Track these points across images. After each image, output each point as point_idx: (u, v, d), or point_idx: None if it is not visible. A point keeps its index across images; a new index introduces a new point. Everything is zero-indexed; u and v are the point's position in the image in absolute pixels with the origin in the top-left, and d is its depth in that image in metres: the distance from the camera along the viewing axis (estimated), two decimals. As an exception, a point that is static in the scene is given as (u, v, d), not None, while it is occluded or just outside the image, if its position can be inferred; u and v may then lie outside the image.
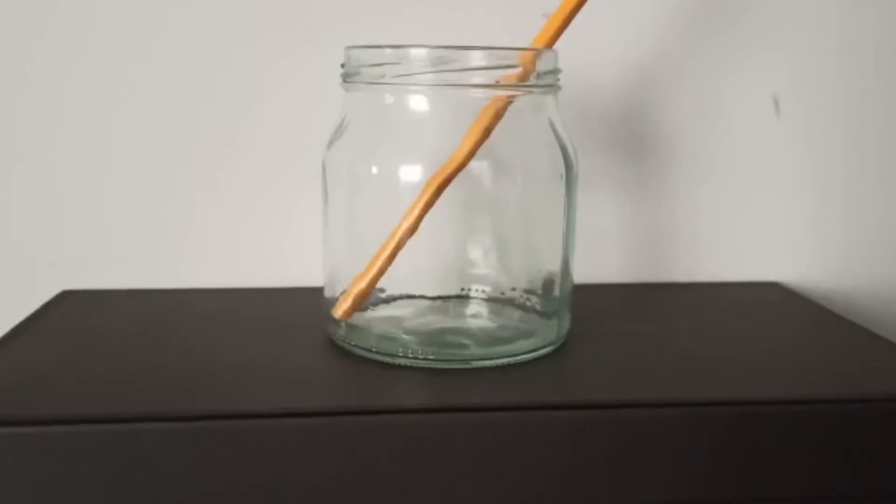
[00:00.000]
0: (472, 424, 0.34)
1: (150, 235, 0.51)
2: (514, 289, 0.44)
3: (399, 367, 0.39)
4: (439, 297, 0.44)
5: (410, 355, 0.39)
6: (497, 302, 0.44)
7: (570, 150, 0.41)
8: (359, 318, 0.41)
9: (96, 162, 0.51)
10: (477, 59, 0.39)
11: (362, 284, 0.40)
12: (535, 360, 0.40)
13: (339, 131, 0.42)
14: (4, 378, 0.37)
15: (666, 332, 0.45)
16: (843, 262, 0.56)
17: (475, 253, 0.44)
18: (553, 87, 0.41)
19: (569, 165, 0.41)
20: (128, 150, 0.51)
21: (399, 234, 0.39)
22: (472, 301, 0.44)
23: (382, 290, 0.43)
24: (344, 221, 0.42)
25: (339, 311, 0.41)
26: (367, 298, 0.41)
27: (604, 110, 0.52)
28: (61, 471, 0.33)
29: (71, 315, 0.46)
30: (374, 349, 0.40)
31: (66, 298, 0.49)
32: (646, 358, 0.41)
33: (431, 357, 0.39)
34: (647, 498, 0.35)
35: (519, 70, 0.39)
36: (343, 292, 0.41)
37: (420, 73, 0.38)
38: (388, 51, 0.39)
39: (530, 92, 0.40)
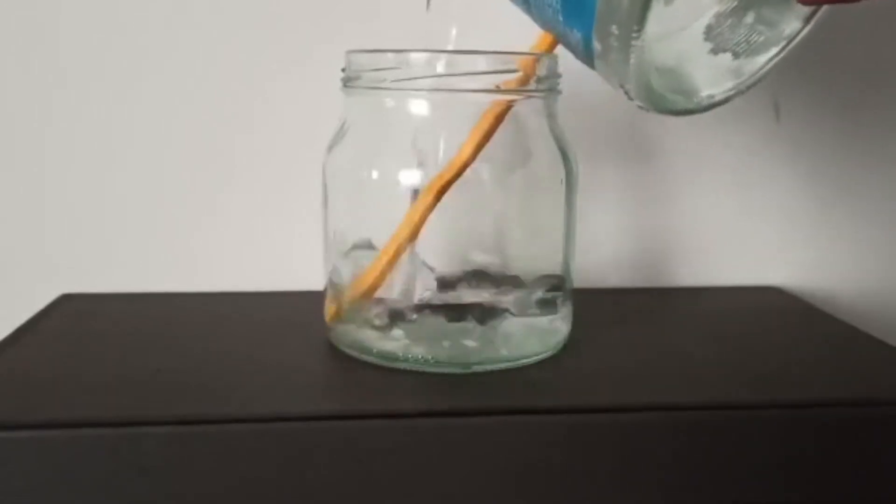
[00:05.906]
0: (472, 429, 0.34)
1: (150, 239, 0.51)
2: (514, 293, 0.43)
3: (399, 371, 0.39)
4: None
5: (410, 359, 0.39)
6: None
7: (570, 155, 0.41)
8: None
9: (96, 165, 0.51)
10: (477, 63, 0.39)
11: (362, 288, 0.40)
12: (536, 364, 0.40)
13: (339, 135, 0.42)
14: (4, 382, 0.37)
15: (666, 337, 0.45)
16: (842, 266, 0.56)
17: (475, 257, 0.43)
18: (553, 92, 0.41)
19: (569, 170, 0.41)
20: (127, 153, 0.51)
21: (399, 238, 0.39)
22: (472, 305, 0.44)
23: (382, 295, 0.43)
24: (344, 225, 0.42)
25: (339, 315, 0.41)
26: (368, 302, 0.41)
27: (604, 114, 0.52)
28: (61, 475, 0.33)
29: (70, 318, 0.46)
30: (374, 353, 0.40)
31: (65, 302, 0.49)
32: (646, 362, 0.41)
33: (431, 361, 0.39)
34: (647, 502, 0.35)
35: (519, 74, 0.39)
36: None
37: (420, 78, 0.38)
38: (389, 55, 0.39)
39: (531, 96, 0.40)
